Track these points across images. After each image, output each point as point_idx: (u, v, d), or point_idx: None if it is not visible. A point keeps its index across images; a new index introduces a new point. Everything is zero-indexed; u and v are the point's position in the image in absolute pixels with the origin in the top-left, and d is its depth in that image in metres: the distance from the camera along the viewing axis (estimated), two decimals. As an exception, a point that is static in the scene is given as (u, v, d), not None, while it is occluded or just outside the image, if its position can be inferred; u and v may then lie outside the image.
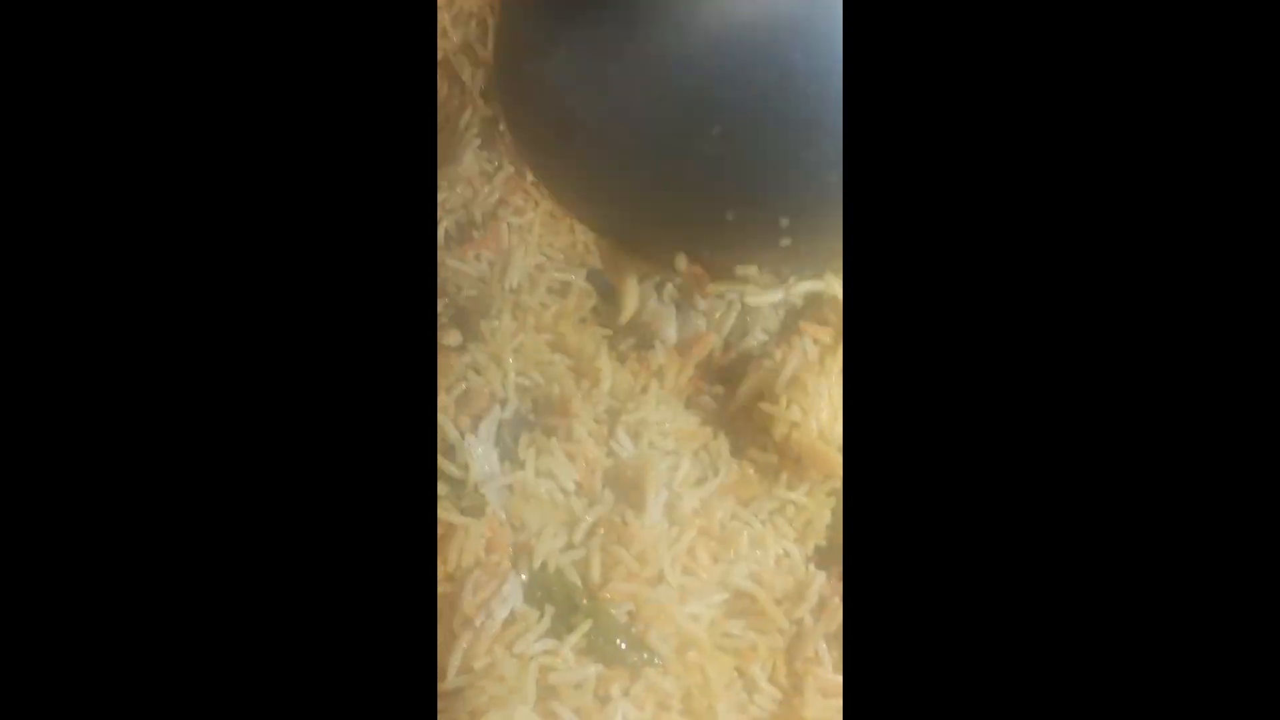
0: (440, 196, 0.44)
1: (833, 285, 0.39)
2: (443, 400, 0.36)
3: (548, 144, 0.42)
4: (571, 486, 0.35)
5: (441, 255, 0.42)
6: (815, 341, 0.39)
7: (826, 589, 0.35)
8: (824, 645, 0.34)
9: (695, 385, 0.39)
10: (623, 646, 0.33)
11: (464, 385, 0.37)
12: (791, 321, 0.41)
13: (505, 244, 0.42)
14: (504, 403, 0.36)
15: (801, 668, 0.34)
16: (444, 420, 0.35)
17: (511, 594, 0.34)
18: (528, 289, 0.40)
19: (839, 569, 0.35)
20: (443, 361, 0.37)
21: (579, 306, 0.40)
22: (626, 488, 0.34)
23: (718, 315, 0.42)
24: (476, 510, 0.35)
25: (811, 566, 0.36)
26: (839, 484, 0.36)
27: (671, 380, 0.39)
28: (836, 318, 0.39)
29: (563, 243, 0.44)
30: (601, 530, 0.35)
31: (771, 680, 0.34)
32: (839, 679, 0.34)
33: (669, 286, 0.41)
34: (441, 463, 0.35)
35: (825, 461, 0.34)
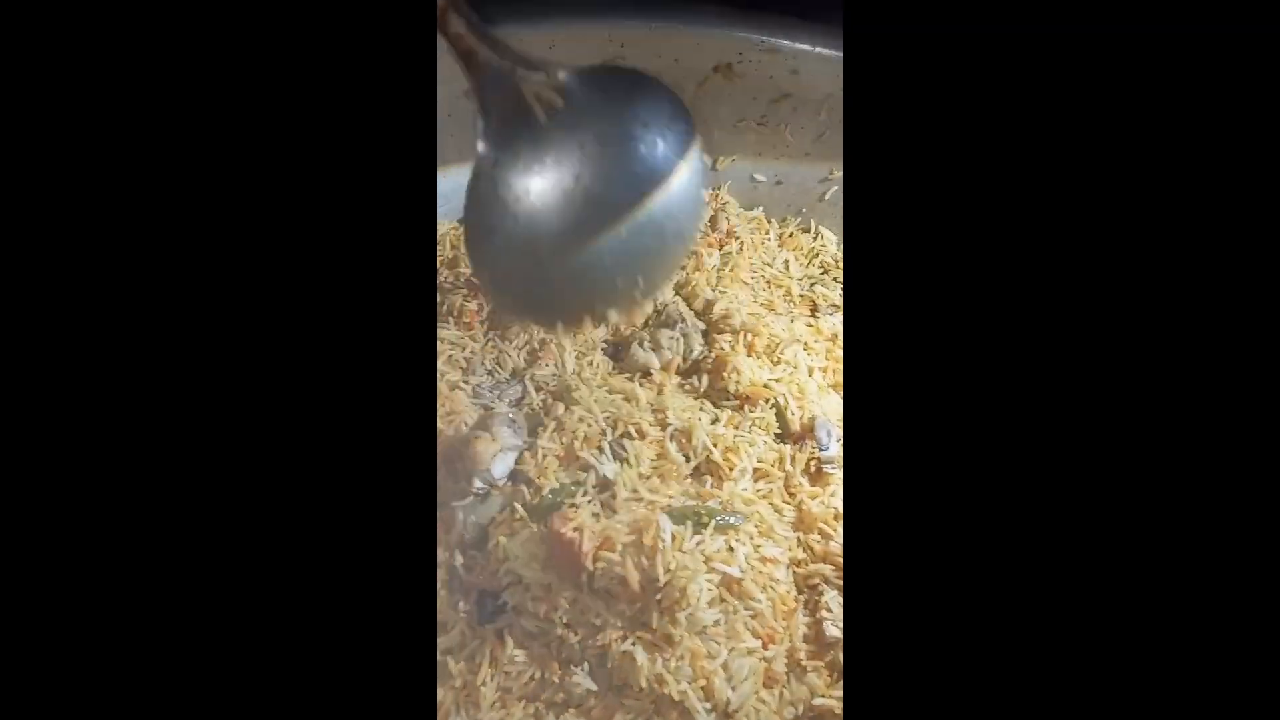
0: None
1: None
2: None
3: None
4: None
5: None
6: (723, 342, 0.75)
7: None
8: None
9: (680, 381, 0.74)
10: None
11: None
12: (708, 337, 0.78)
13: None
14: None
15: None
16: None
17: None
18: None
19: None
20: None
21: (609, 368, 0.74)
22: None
23: (670, 349, 0.77)
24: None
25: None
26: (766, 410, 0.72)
27: (669, 384, 0.74)
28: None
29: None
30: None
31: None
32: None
33: (646, 341, 0.76)
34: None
35: (759, 391, 0.71)
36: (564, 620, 0.60)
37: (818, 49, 0.71)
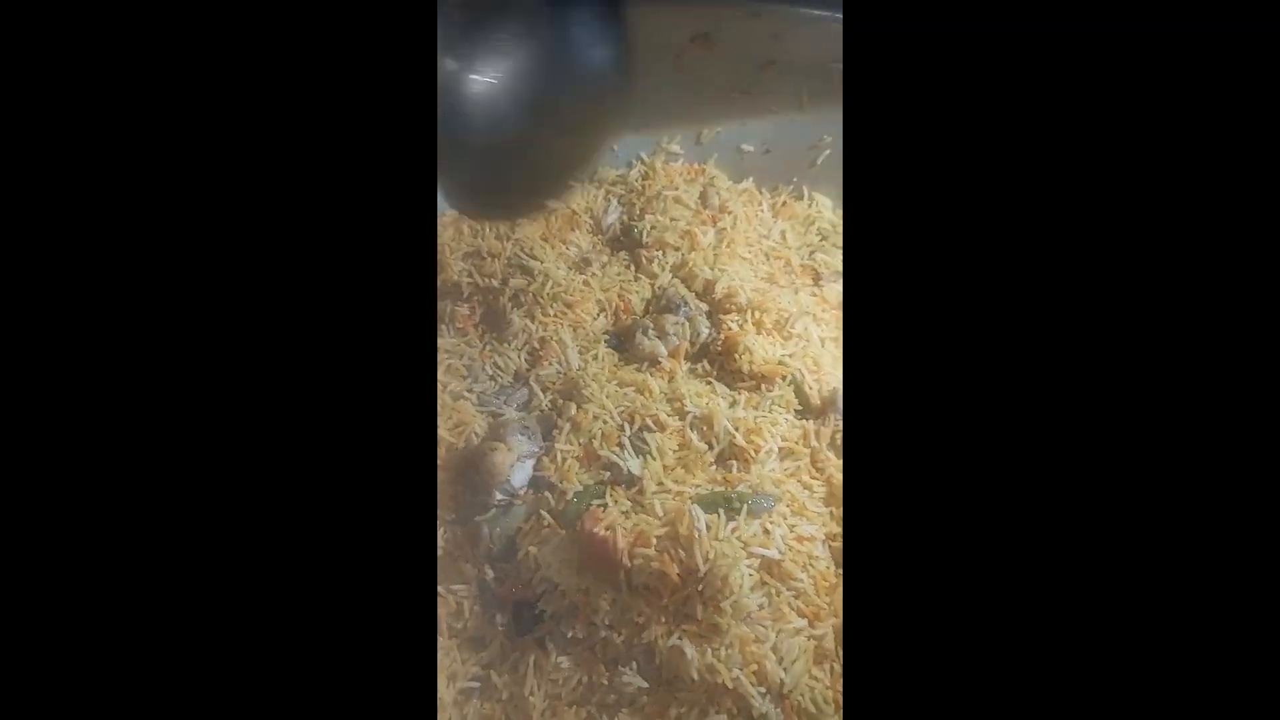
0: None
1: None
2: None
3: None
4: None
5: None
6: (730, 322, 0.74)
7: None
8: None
9: (690, 366, 0.73)
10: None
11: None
12: (713, 319, 0.76)
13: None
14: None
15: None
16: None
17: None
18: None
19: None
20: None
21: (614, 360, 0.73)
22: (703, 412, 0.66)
23: (676, 335, 0.76)
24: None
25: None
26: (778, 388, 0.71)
27: (681, 369, 0.72)
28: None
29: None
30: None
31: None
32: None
33: (651, 331, 0.74)
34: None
35: (774, 369, 0.70)
36: (606, 621, 0.59)
37: (801, 9, 0.69)
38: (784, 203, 0.83)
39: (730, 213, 0.80)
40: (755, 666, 0.57)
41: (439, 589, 0.63)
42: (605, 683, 0.59)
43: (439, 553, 0.64)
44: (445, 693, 0.61)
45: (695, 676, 0.57)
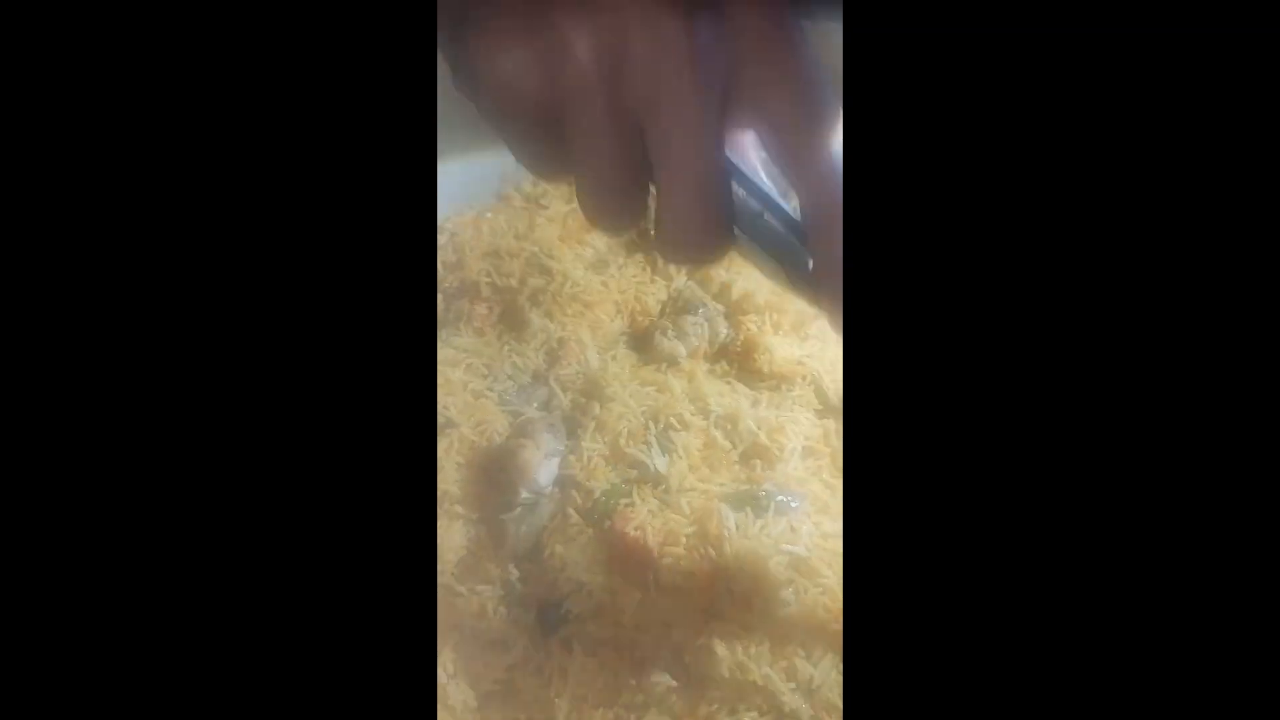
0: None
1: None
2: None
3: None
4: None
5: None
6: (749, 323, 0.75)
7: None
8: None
9: (709, 366, 0.73)
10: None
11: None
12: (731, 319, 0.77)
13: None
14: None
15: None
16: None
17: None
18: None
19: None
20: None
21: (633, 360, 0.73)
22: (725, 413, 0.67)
23: (695, 335, 0.76)
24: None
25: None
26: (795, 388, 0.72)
27: (700, 369, 0.72)
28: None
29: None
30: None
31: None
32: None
33: (670, 332, 0.75)
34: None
35: (794, 369, 0.71)
36: (633, 621, 0.59)
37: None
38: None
39: (745, 216, 0.81)
40: (785, 663, 0.58)
41: (461, 589, 0.63)
42: (633, 683, 0.59)
43: (462, 553, 0.63)
44: (469, 696, 0.60)
45: (725, 674, 0.57)
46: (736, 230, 0.38)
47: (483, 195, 0.83)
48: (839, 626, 0.60)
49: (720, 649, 0.57)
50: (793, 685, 0.57)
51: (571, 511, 0.62)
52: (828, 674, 0.58)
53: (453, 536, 0.63)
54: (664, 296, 0.78)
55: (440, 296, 0.78)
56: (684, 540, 0.60)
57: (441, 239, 0.80)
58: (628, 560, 0.59)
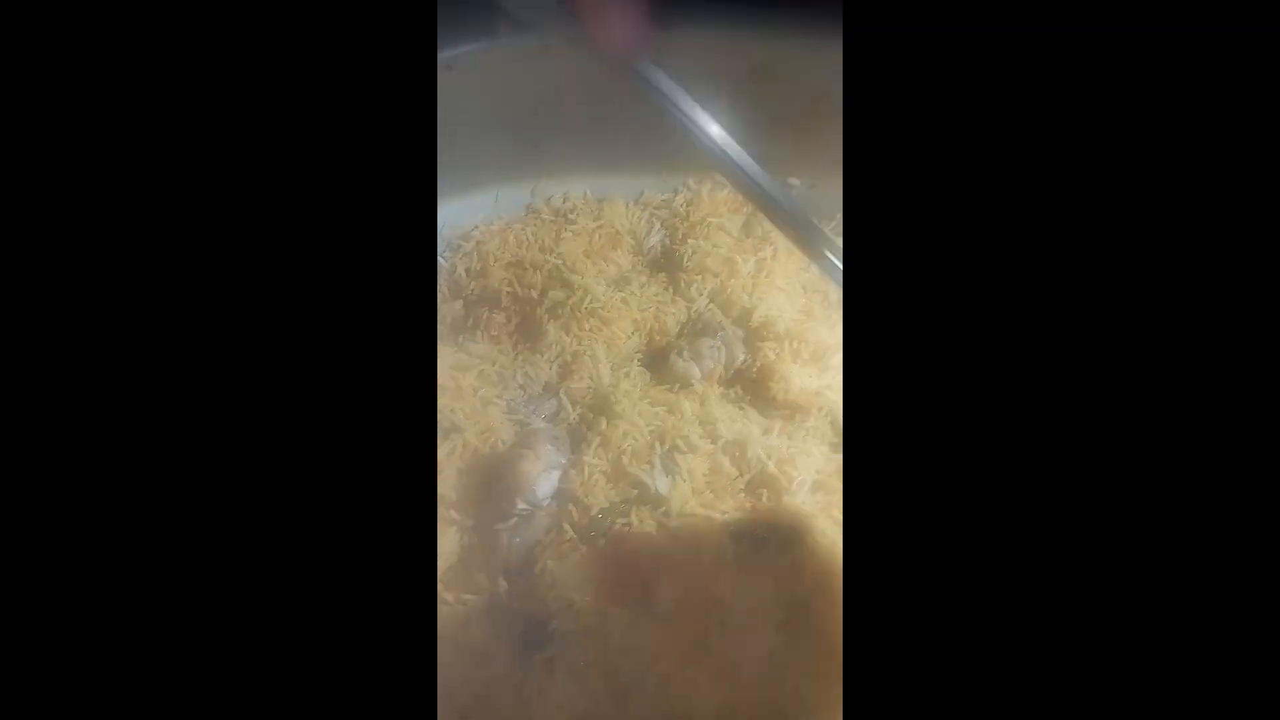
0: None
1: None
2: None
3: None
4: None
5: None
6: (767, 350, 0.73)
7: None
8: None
9: (722, 391, 0.71)
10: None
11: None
12: (749, 345, 0.75)
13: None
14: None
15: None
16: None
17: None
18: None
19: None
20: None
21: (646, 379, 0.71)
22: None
23: (711, 359, 0.75)
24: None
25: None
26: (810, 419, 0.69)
27: (714, 393, 0.71)
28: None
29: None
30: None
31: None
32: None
33: (685, 353, 0.73)
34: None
35: (810, 399, 0.68)
36: (619, 647, 0.57)
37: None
38: (827, 238, 0.83)
39: (772, 244, 0.79)
40: (775, 707, 0.54)
41: (448, 597, 0.61)
42: (614, 712, 0.56)
43: (453, 559, 0.62)
44: (444, 709, 0.58)
45: (712, 713, 0.54)
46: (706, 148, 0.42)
47: (515, 211, 0.85)
48: (838, 668, 0.56)
49: (706, 685, 0.54)
50: (782, 731, 0.54)
51: (567, 527, 0.60)
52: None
53: (445, 542, 0.62)
54: (684, 317, 0.76)
55: (461, 303, 0.78)
56: (679, 566, 0.57)
57: (467, 247, 0.81)
58: (619, 582, 0.57)
